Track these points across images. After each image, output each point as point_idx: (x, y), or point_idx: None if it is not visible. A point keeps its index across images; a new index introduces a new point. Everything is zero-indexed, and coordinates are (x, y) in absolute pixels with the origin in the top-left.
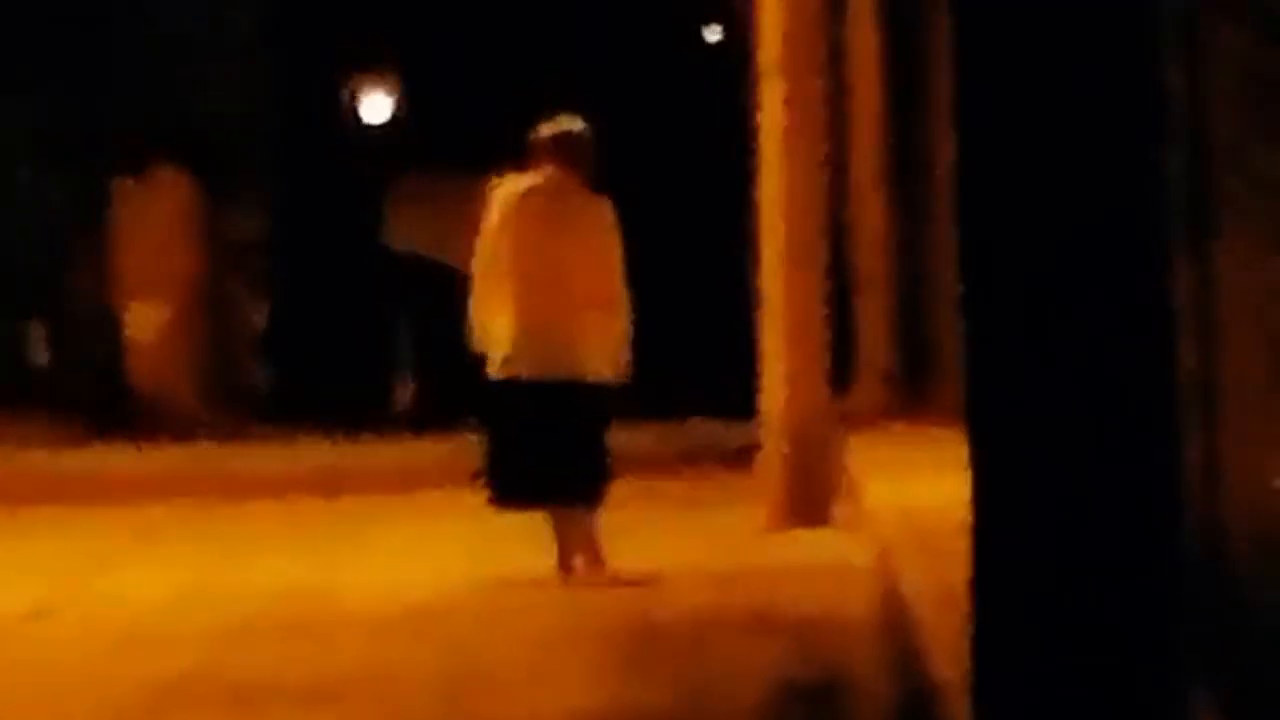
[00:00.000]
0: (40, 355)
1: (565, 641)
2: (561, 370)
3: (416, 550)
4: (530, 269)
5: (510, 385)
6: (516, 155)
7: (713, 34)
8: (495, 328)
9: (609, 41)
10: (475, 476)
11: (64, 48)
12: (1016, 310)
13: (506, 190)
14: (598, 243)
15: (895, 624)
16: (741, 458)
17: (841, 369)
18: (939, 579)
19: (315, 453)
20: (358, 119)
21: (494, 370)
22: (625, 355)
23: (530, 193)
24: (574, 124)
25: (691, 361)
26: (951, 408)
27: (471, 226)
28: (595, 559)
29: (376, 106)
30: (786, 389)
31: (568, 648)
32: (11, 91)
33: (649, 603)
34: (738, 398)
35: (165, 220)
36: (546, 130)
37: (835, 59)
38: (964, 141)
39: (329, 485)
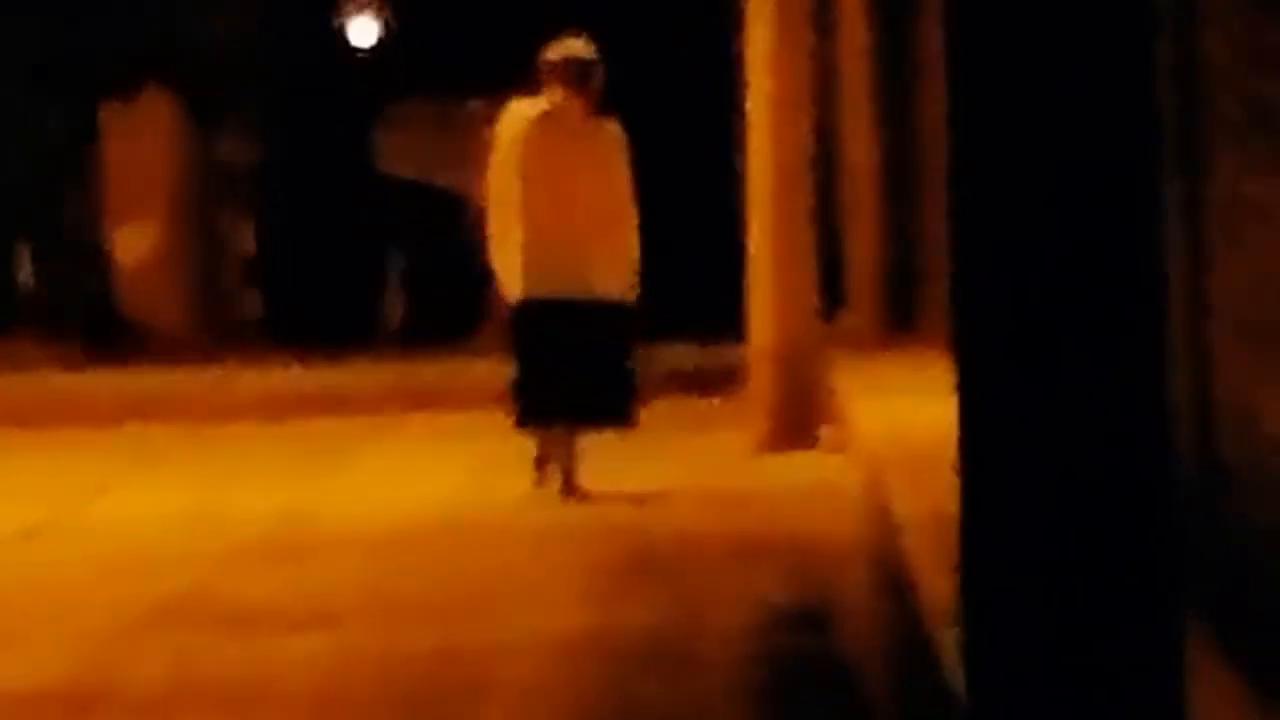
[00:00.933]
0: (28, 278)
1: (556, 563)
2: (576, 289)
3: (409, 472)
4: (541, 191)
5: (528, 306)
6: (505, 79)
7: None
8: (509, 251)
9: None
10: (503, 398)
11: None
12: (1005, 234)
13: (515, 114)
14: (607, 165)
15: (884, 547)
16: (730, 381)
17: (831, 293)
18: (927, 502)
19: (305, 376)
20: (346, 43)
21: (512, 292)
22: (634, 275)
23: (540, 117)
24: (582, 47)
25: (680, 284)
26: (940, 332)
27: (460, 149)
28: (573, 487)
29: (365, 30)
30: (775, 313)
31: (559, 569)
32: None
33: (639, 525)
34: (726, 321)
35: (154, 144)
36: (554, 53)
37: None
38: (954, 79)
39: (320, 408)
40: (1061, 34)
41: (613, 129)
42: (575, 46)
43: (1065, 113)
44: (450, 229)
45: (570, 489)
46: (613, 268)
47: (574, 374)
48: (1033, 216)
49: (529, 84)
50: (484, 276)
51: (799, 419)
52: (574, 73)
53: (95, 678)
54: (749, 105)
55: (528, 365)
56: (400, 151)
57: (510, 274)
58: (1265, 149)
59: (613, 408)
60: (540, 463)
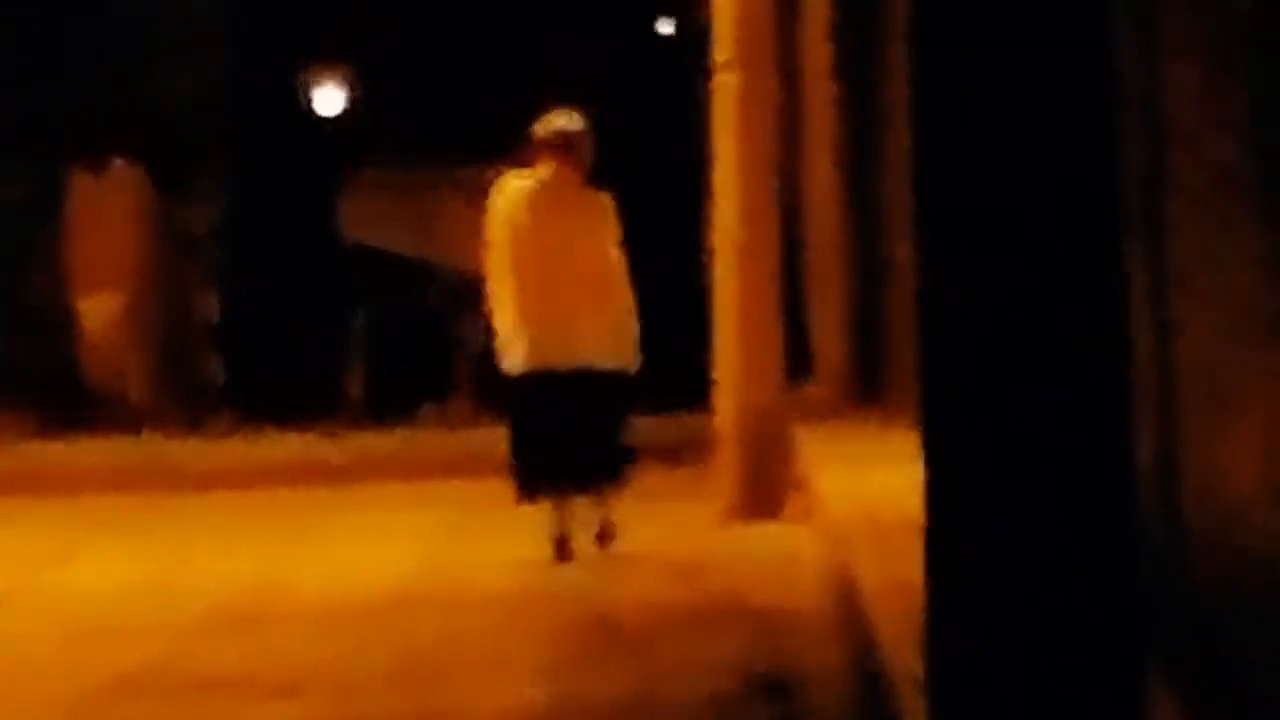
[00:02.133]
0: None
1: (521, 632)
2: (572, 361)
3: (373, 541)
4: (537, 265)
5: (526, 379)
6: (470, 147)
7: (666, 27)
8: (508, 325)
9: (562, 34)
10: (503, 470)
11: (16, 37)
12: (971, 305)
13: (510, 189)
14: (600, 236)
15: (850, 616)
16: (695, 451)
17: (796, 363)
18: (892, 572)
19: (269, 445)
20: (311, 110)
21: (509, 366)
22: (634, 344)
23: (533, 191)
24: (572, 120)
25: (646, 354)
26: (906, 401)
27: (424, 218)
28: (608, 533)
29: (329, 99)
30: (740, 382)
31: (524, 639)
32: None
33: (603, 594)
34: (691, 390)
35: (118, 212)
36: (544, 129)
37: (789, 52)
38: (919, 135)
39: (284, 477)
40: (1023, 107)
41: (604, 201)
42: (564, 120)
43: (1028, 187)
44: (414, 297)
45: (606, 538)
46: (608, 338)
47: (571, 445)
48: (998, 288)
49: (496, 152)
50: (449, 345)
51: (764, 489)
52: (564, 146)
53: None
54: (714, 176)
55: (525, 438)
56: (363, 219)
57: (505, 337)
58: (1226, 210)
59: (606, 471)
60: (560, 543)
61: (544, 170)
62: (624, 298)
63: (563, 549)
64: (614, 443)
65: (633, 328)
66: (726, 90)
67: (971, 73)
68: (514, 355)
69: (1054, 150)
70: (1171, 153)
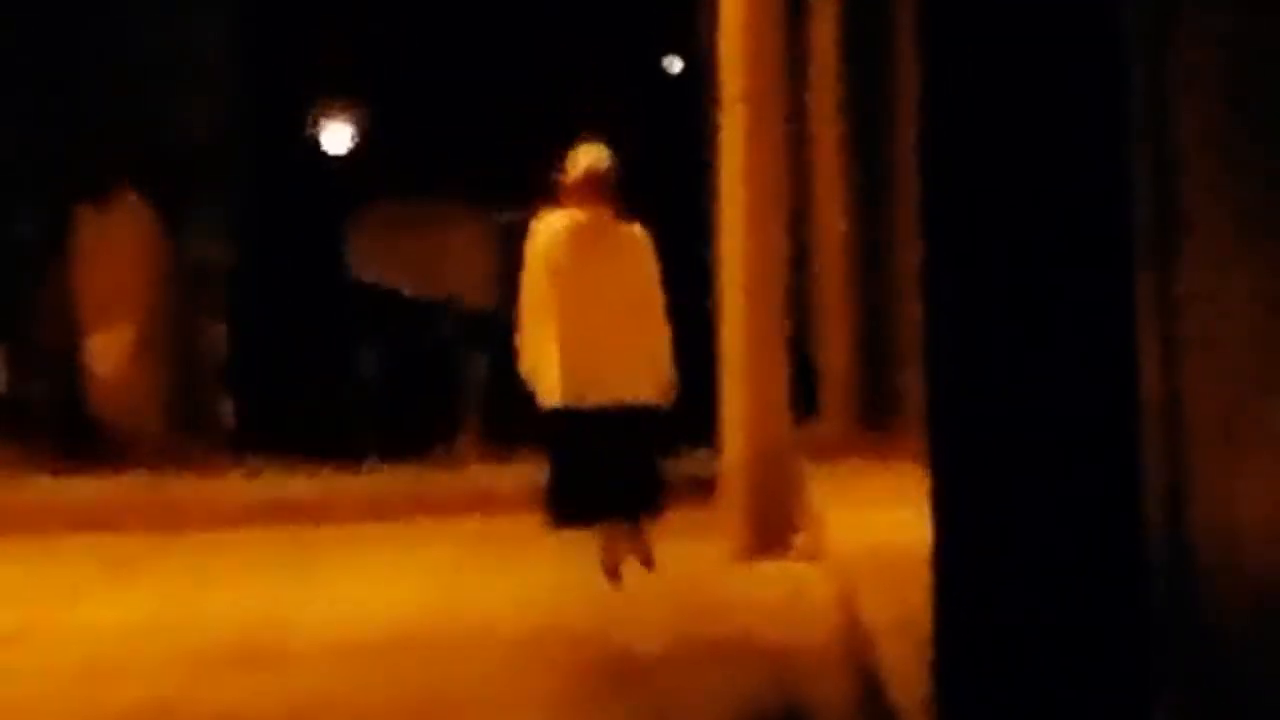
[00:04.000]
0: (0, 383)
1: (531, 670)
2: (613, 396)
3: (381, 580)
4: (578, 303)
5: (566, 414)
6: (478, 187)
7: (674, 66)
8: (547, 361)
9: (569, 72)
10: (538, 502)
11: (26, 73)
12: (978, 344)
13: (548, 229)
14: (638, 271)
15: (857, 655)
16: (703, 489)
17: (804, 401)
18: (901, 610)
19: (280, 482)
20: (319, 146)
21: (550, 400)
22: (671, 377)
23: (571, 230)
24: (601, 156)
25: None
26: (914, 442)
27: (431, 256)
28: (648, 559)
29: (338, 136)
30: (747, 420)
31: (533, 676)
32: None
33: (612, 633)
34: (698, 428)
35: (127, 247)
36: (576, 169)
37: (796, 88)
38: (927, 165)
39: (294, 515)
40: (1032, 149)
41: (640, 233)
42: (593, 157)
43: (1037, 222)
44: (421, 334)
45: (649, 563)
46: (646, 373)
47: (609, 478)
48: (1006, 328)
49: (504, 190)
50: (456, 383)
51: (772, 527)
52: (597, 183)
53: None
54: (721, 213)
55: (566, 470)
56: (371, 256)
57: (544, 373)
58: (1232, 243)
59: (642, 502)
60: (612, 568)
61: (581, 209)
62: (663, 332)
63: (615, 573)
64: (652, 474)
65: (669, 362)
66: (734, 127)
67: (982, 99)
68: (554, 391)
69: (1064, 177)
70: (1181, 182)
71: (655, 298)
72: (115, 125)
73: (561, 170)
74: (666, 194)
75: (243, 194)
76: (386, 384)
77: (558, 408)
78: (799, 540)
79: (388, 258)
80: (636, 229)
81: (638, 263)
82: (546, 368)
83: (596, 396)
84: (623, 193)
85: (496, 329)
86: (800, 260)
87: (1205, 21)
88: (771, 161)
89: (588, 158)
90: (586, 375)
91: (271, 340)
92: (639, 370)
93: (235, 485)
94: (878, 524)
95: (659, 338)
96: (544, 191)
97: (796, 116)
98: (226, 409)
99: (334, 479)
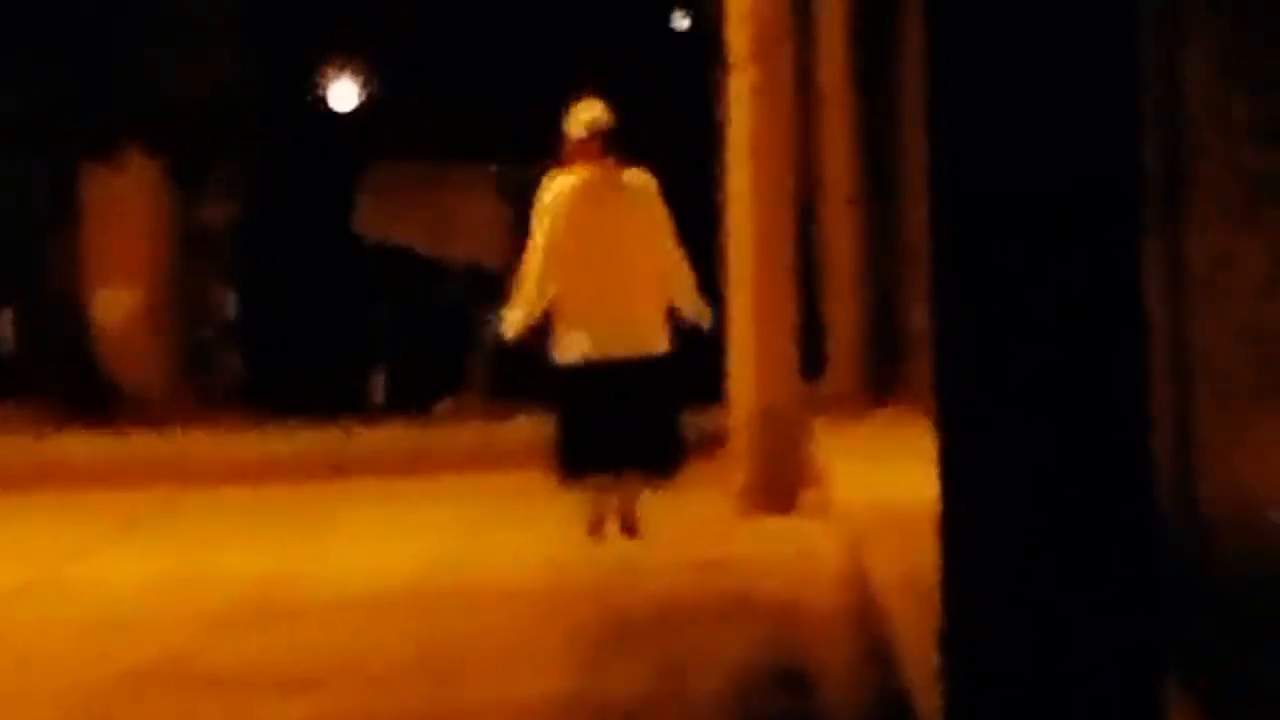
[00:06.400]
0: (7, 342)
1: (538, 627)
2: (627, 348)
3: (390, 536)
4: (590, 258)
5: (580, 369)
6: (485, 145)
7: (682, 22)
8: (560, 318)
9: (577, 29)
10: (547, 457)
11: (34, 32)
12: (986, 300)
13: (558, 187)
14: (648, 222)
15: (865, 611)
16: (710, 444)
17: (812, 359)
18: (908, 565)
19: (289, 440)
20: (329, 106)
21: (563, 356)
22: (702, 305)
23: (582, 185)
24: (601, 111)
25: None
26: (921, 399)
27: (440, 214)
28: (631, 525)
29: (345, 94)
30: (755, 376)
31: (541, 633)
32: None
33: (619, 589)
34: (706, 384)
35: (135, 206)
36: (579, 128)
37: (805, 47)
38: (935, 128)
39: (301, 472)
40: (1042, 109)
41: (646, 180)
42: (594, 113)
43: (1046, 178)
44: (430, 292)
45: (630, 528)
46: (659, 325)
47: (623, 430)
48: (1013, 282)
49: (511, 148)
50: (465, 340)
51: (779, 483)
52: (601, 139)
53: None
54: (729, 167)
55: (577, 424)
56: (379, 214)
57: (560, 338)
58: (1242, 208)
59: (658, 461)
60: (595, 525)
61: (587, 166)
62: (679, 270)
63: (598, 528)
64: (671, 431)
65: (693, 288)
66: (741, 86)
67: (989, 61)
68: (569, 346)
69: (1073, 142)
70: (1190, 150)
71: (669, 241)
72: (123, 83)
73: (563, 129)
74: (673, 152)
75: (252, 152)
76: (395, 342)
77: (571, 363)
78: (806, 496)
79: (397, 217)
80: (642, 177)
81: (647, 213)
82: (560, 325)
83: (610, 349)
84: (626, 146)
85: (505, 287)
86: (809, 218)
87: None
88: (779, 119)
89: (588, 114)
90: (602, 329)
91: (280, 298)
92: (651, 323)
93: (245, 442)
94: (885, 480)
95: (680, 273)
96: (551, 149)
97: (804, 73)
98: (234, 366)
99: (343, 436)
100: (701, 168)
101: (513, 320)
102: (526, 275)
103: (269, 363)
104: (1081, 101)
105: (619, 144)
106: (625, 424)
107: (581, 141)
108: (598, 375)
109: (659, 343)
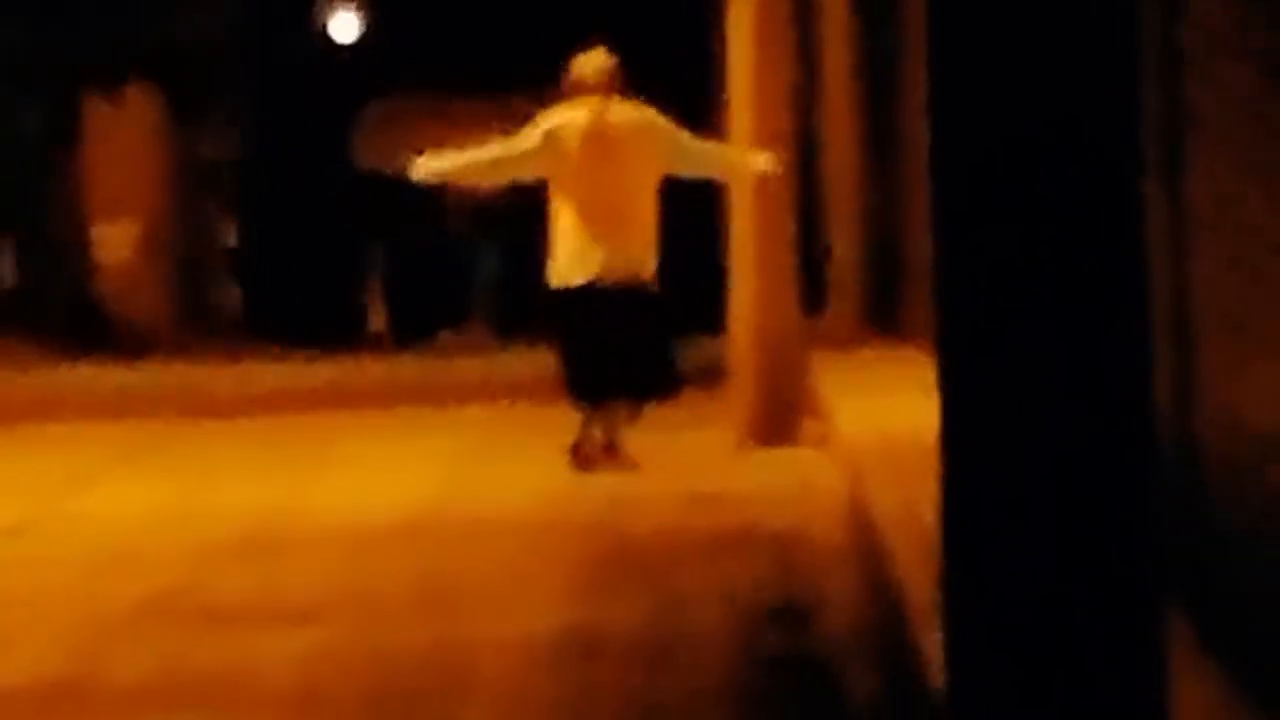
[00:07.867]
0: (8, 275)
1: (540, 559)
2: (619, 275)
3: (392, 468)
4: (591, 188)
5: (575, 294)
6: (485, 77)
7: None
8: (557, 245)
9: None
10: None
11: None
12: (987, 233)
13: (561, 119)
14: (651, 156)
15: (866, 544)
16: (710, 376)
17: (813, 292)
18: (908, 499)
19: (288, 372)
20: (328, 38)
21: (559, 281)
22: (749, 155)
23: (590, 120)
24: (606, 59)
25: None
26: (922, 331)
27: (439, 147)
28: (615, 455)
29: (346, 26)
30: (756, 308)
31: (542, 565)
32: None
33: (620, 522)
34: (707, 315)
35: (135, 140)
36: (584, 72)
37: None
38: (936, 60)
39: (302, 404)
40: (1043, 34)
41: (647, 110)
42: (600, 61)
43: (1047, 112)
44: (431, 225)
45: (614, 453)
46: (652, 255)
47: (616, 357)
48: (1015, 214)
49: (511, 81)
50: (466, 272)
51: (780, 415)
52: (606, 80)
53: (78, 674)
54: (730, 102)
55: (576, 351)
56: (380, 147)
57: (556, 255)
58: (1244, 146)
59: (657, 385)
60: (577, 449)
61: (590, 102)
62: (723, 152)
63: (582, 454)
64: (665, 357)
65: (732, 150)
66: (742, 16)
67: (988, 13)
68: (561, 271)
69: (1072, 80)
70: (1190, 88)
71: (687, 143)
72: (123, 17)
73: (572, 77)
74: (674, 85)
75: (252, 85)
76: (397, 274)
77: (562, 287)
78: (807, 428)
79: (397, 149)
80: (643, 109)
81: (649, 149)
82: (555, 251)
83: (601, 275)
84: (628, 85)
85: (506, 220)
86: (810, 152)
87: None
88: (779, 50)
89: (593, 61)
90: (591, 256)
91: (281, 231)
92: (643, 253)
93: (244, 374)
94: (885, 412)
95: (717, 150)
96: (557, 81)
97: (805, 3)
98: (234, 300)
99: (343, 368)
100: (701, 101)
101: (424, 163)
102: (479, 148)
103: (269, 294)
104: (1083, 34)
105: (623, 86)
106: (618, 351)
107: (588, 85)
108: (590, 301)
109: (649, 271)
